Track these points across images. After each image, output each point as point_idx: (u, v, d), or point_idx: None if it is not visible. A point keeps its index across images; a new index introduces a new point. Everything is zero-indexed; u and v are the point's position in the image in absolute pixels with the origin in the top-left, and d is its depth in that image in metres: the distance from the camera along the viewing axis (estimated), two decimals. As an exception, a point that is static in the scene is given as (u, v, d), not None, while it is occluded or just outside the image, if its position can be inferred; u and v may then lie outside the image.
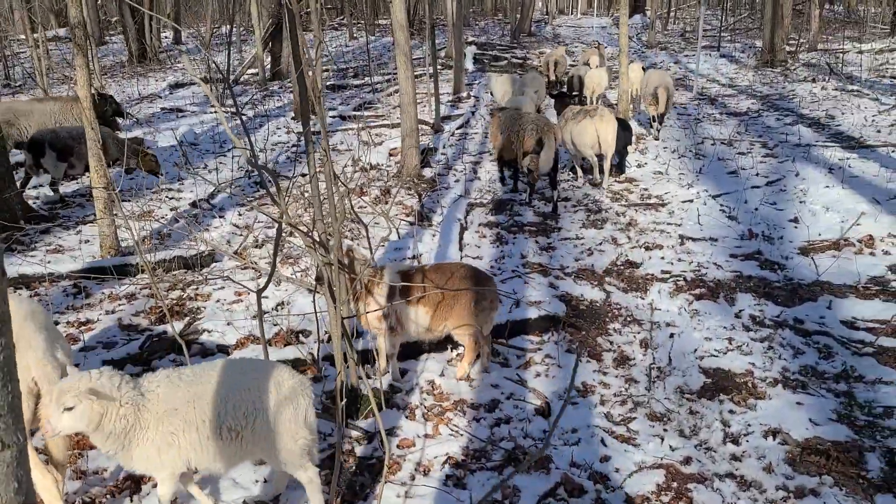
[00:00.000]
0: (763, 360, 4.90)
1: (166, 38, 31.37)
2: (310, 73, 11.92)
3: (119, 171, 8.88)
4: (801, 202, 7.90)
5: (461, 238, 7.02)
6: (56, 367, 3.02)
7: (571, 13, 45.67)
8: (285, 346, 4.98)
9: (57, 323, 5.39)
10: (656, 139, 11.38)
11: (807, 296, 5.84)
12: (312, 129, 11.96)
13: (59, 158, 8.38)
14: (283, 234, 3.65)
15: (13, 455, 1.17)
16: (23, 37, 24.86)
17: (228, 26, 21.42)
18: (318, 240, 3.90)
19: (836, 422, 4.22)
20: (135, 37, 23.47)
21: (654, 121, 11.34)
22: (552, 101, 11.08)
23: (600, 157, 8.85)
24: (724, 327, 5.38)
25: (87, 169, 8.80)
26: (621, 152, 9.29)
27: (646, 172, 9.43)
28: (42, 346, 2.99)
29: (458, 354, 4.95)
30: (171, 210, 8.34)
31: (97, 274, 5.96)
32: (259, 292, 3.71)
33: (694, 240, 7.03)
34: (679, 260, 6.58)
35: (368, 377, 4.66)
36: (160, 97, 17.16)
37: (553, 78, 16.68)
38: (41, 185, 9.02)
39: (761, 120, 12.42)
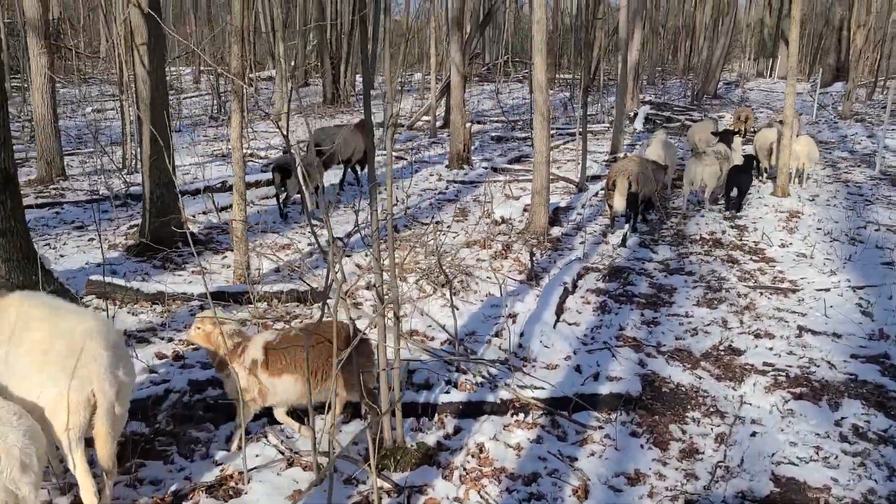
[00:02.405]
0: (849, 478, 4.45)
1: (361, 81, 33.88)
2: (467, 124, 12.38)
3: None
4: (959, 305, 7.05)
5: (563, 302, 6.98)
6: (114, 383, 3.44)
7: (770, 76, 43.49)
8: (356, 387, 5.25)
9: (171, 339, 6.04)
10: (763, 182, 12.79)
11: (927, 412, 5.22)
12: (462, 180, 12.36)
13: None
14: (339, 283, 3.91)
15: None
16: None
17: (409, 75, 22.75)
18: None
19: (907, 560, 3.76)
20: (331, 80, 25.59)
21: (765, 171, 13.09)
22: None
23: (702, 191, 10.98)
24: (817, 434, 4.94)
25: (298, 191, 10.23)
26: (734, 193, 10.74)
27: (787, 253, 8.82)
28: (106, 362, 3.43)
29: (515, 420, 4.95)
30: (309, 245, 9.01)
31: (218, 299, 6.60)
32: (308, 336, 3.99)
33: (814, 333, 6.49)
34: (789, 353, 6.11)
35: (420, 430, 4.81)
36: (339, 137, 18.53)
37: (742, 130, 17.08)
38: (204, 213, 10.11)
39: (946, 207, 11.18)
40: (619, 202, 9.20)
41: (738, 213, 10.67)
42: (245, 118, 18.75)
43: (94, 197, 10.83)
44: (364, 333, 4.19)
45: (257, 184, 11.77)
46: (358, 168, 12.53)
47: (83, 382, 3.33)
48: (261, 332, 4.52)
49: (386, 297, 4.27)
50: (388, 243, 4.30)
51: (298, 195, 10.31)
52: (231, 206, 9.87)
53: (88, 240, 8.91)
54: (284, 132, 15.95)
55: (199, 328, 4.40)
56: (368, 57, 3.94)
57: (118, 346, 3.55)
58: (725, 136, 12.02)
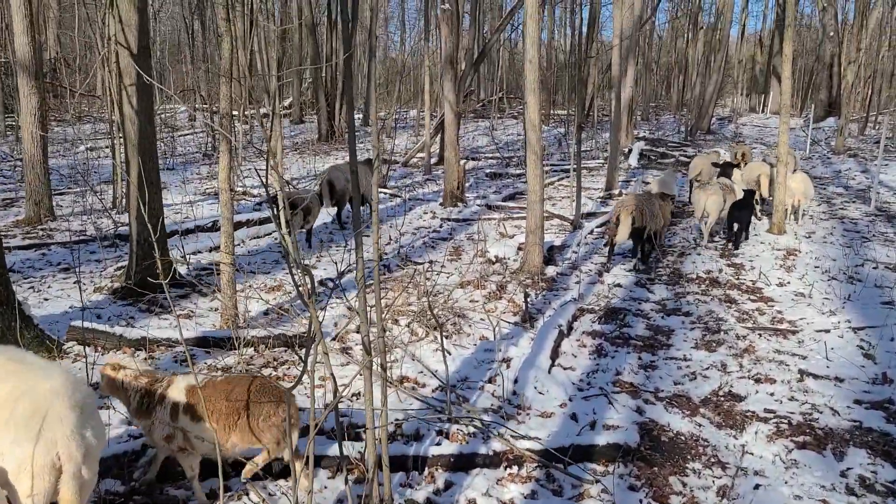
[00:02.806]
0: (857, 534, 4.26)
1: (358, 117, 33.98)
2: (461, 161, 12.27)
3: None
4: (964, 346, 6.89)
5: (557, 345, 6.81)
6: (81, 445, 3.23)
7: (762, 111, 43.85)
8: (347, 439, 5.04)
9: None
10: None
11: (937, 462, 5.02)
12: (457, 218, 12.23)
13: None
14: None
15: None
16: (236, 112, 28.05)
17: (404, 111, 22.75)
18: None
19: None
20: (326, 117, 25.66)
21: (757, 203, 12.35)
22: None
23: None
24: (822, 486, 4.74)
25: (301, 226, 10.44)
26: (735, 227, 10.81)
27: (786, 293, 8.67)
28: (72, 423, 3.23)
29: (509, 473, 4.75)
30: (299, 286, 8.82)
31: (201, 345, 6.43)
32: (288, 390, 3.82)
33: (816, 377, 6.32)
34: (791, 399, 5.93)
35: (409, 486, 4.60)
36: (332, 175, 18.45)
37: (741, 165, 17.21)
38: (195, 254, 9.97)
39: (945, 243, 11.08)
40: (623, 233, 9.49)
41: (736, 251, 10.58)
42: (238, 157, 18.69)
43: (82, 238, 10.68)
44: (288, 390, 4.06)
45: (248, 222, 11.64)
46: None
47: (48, 445, 3.14)
48: (184, 374, 4.29)
49: (372, 346, 4.11)
50: (375, 289, 4.14)
51: (301, 229, 10.37)
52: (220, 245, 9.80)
53: (74, 282, 8.72)
54: (264, 174, 16.06)
55: (102, 375, 4.17)
56: (352, 100, 3.83)
57: (86, 406, 3.36)
58: (725, 169, 12.65)
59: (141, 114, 7.97)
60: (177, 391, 4.12)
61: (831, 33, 31.14)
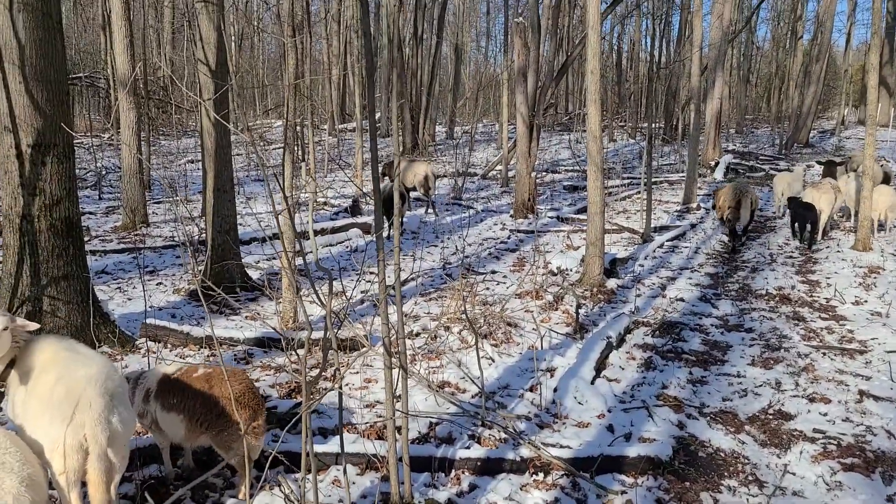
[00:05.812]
0: (894, 561, 4.07)
1: (445, 131, 34.48)
2: (532, 173, 12.34)
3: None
4: None
5: (604, 357, 6.77)
6: (106, 429, 3.50)
7: (871, 122, 41.48)
8: (378, 439, 5.22)
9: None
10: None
11: None
12: (526, 229, 12.27)
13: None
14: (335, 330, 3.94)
15: None
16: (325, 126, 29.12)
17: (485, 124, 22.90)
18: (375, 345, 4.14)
19: None
20: (410, 131, 26.22)
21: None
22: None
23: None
24: (864, 510, 4.55)
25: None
26: (808, 227, 11.54)
27: (861, 312, 8.27)
28: (99, 408, 3.52)
29: (534, 479, 4.79)
30: (363, 292, 9.12)
31: (258, 345, 6.78)
32: (306, 407, 4.02)
33: (876, 398, 6.02)
34: (845, 420, 5.68)
35: (434, 486, 4.71)
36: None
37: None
38: (269, 260, 10.44)
39: None
40: (745, 216, 11.26)
41: (811, 249, 11.24)
42: (324, 168, 19.34)
43: (170, 243, 11.39)
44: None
45: (322, 231, 12.07)
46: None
47: (77, 427, 3.44)
48: (166, 364, 4.60)
49: (395, 350, 4.27)
50: (396, 293, 4.30)
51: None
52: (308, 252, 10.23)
53: (156, 284, 9.34)
54: (359, 182, 16.53)
55: None
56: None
57: (116, 394, 3.64)
58: (829, 167, 14.31)
59: (217, 126, 8.48)
60: (154, 377, 4.47)
61: (945, 40, 29.25)
